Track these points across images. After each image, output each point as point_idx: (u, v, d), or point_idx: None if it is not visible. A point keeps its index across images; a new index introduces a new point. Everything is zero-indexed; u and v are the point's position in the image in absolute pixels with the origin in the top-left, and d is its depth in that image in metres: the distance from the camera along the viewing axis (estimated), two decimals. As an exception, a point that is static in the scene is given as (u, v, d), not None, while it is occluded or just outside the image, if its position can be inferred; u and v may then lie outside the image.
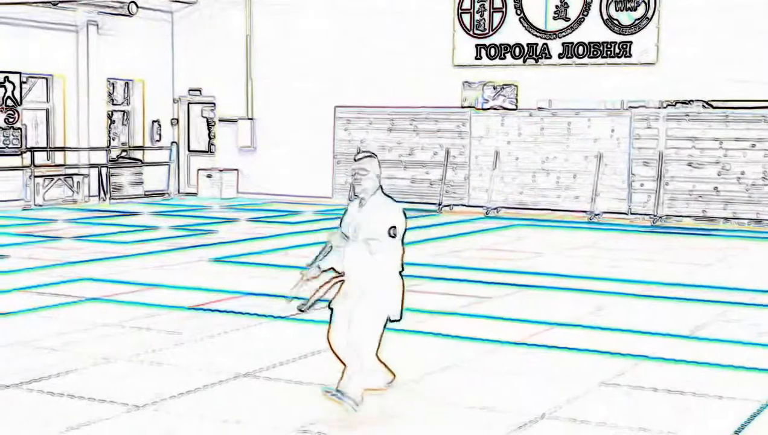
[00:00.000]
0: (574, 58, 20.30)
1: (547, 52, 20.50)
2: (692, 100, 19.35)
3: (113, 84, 23.25)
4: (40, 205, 20.72)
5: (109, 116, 23.19)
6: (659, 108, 19.63)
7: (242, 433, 6.16)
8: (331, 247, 6.70)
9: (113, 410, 6.55)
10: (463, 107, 21.15)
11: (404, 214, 6.58)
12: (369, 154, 6.69)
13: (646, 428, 6.30)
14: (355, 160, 6.64)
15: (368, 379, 6.70)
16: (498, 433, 6.17)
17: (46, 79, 21.78)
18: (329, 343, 6.64)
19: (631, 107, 19.97)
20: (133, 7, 22.24)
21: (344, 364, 6.51)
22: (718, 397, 7.05)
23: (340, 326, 6.55)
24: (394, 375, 7.00)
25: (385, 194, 6.66)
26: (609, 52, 19.99)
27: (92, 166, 22.24)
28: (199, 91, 24.06)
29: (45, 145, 21.82)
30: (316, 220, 18.75)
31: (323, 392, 6.51)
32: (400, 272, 6.60)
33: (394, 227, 6.42)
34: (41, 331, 8.95)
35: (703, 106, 19.21)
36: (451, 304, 10.37)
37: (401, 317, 6.63)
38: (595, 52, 20.11)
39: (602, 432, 6.26)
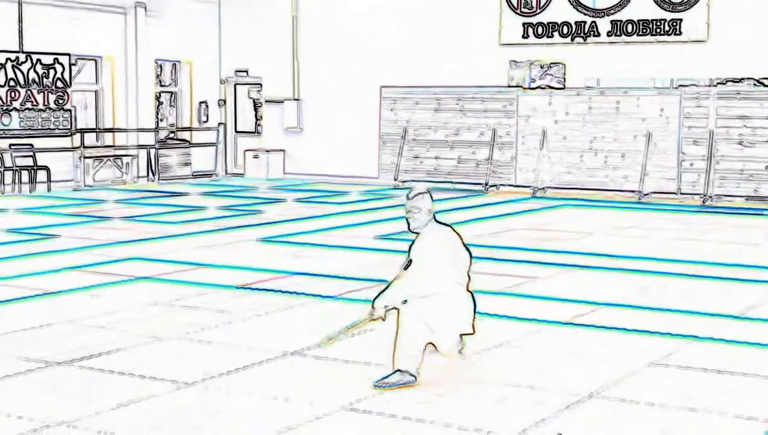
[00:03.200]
0: (623, 36, 20.08)
1: (595, 30, 20.30)
2: (743, 78, 19.07)
3: (161, 65, 23.41)
4: (90, 186, 20.95)
5: (157, 97, 23.37)
6: (709, 86, 19.36)
7: (290, 410, 6.20)
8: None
9: (163, 387, 6.62)
10: (510, 86, 21.02)
11: (454, 231, 6.93)
12: (421, 191, 6.93)
13: (695, 408, 6.25)
14: (407, 199, 6.92)
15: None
16: (546, 412, 6.15)
17: (95, 61, 21.98)
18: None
19: (680, 86, 19.72)
20: (180, -12, 22.36)
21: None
22: (770, 378, 6.97)
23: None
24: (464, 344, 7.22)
25: (438, 222, 6.94)
26: (658, 30, 19.75)
27: (141, 147, 22.44)
28: (246, 72, 24.14)
29: (94, 127, 22.05)
30: (362, 200, 18.78)
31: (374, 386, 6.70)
32: (468, 289, 6.97)
33: (411, 261, 6.77)
34: (91, 309, 9.06)
35: (755, 84, 18.92)
36: (498, 283, 10.33)
37: (474, 331, 7.02)
38: (644, 30, 19.88)
39: (651, 412, 6.21)
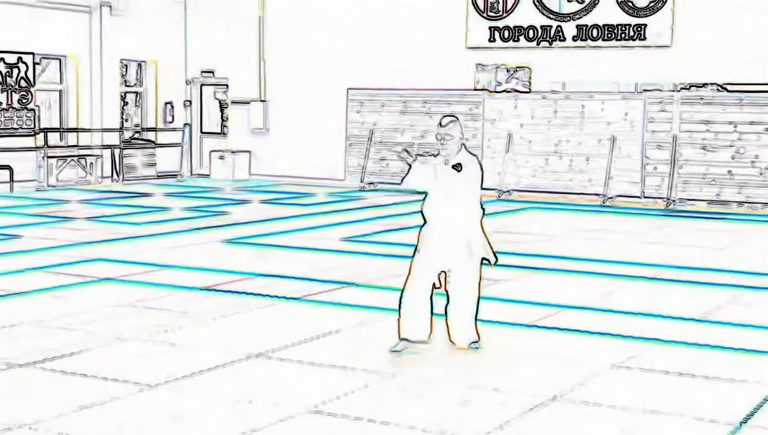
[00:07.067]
0: (588, 41, 20.22)
1: (561, 34, 20.42)
2: (706, 84, 19.25)
3: (126, 65, 23.26)
4: (54, 186, 20.78)
5: (122, 98, 23.22)
6: (673, 91, 19.53)
7: (254, 412, 6.19)
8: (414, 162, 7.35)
9: (126, 389, 6.58)
10: (476, 90, 21.09)
11: (481, 165, 7.60)
12: (452, 118, 7.18)
13: (657, 411, 6.30)
14: (440, 126, 7.15)
15: (455, 336, 7.64)
16: (509, 414, 6.18)
17: (60, 60, 21.80)
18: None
19: (645, 90, 19.87)
20: (146, -12, 22.22)
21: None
22: (730, 381, 7.04)
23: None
24: (479, 338, 7.70)
25: (468, 151, 7.39)
26: (623, 35, 19.90)
27: (105, 147, 22.28)
28: (212, 72, 24.05)
29: (58, 126, 21.87)
30: (328, 202, 18.76)
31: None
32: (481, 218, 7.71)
33: (459, 164, 7.28)
34: (55, 311, 8.99)
35: (718, 89, 19.11)
36: (462, 286, 10.34)
37: (496, 260, 7.82)
38: (609, 35, 20.02)
39: (613, 414, 6.26)
